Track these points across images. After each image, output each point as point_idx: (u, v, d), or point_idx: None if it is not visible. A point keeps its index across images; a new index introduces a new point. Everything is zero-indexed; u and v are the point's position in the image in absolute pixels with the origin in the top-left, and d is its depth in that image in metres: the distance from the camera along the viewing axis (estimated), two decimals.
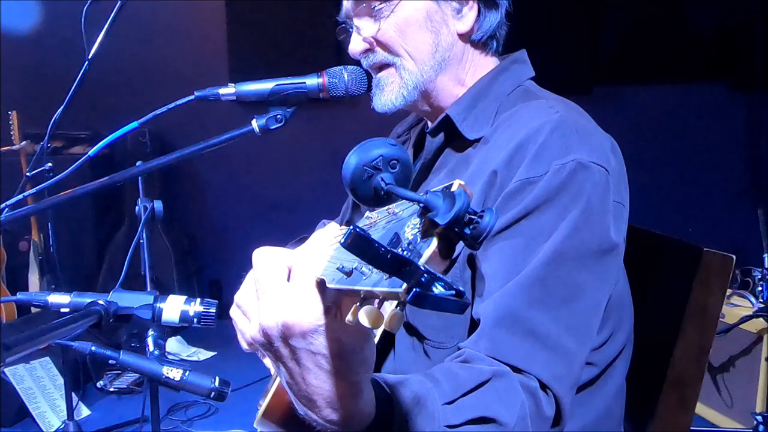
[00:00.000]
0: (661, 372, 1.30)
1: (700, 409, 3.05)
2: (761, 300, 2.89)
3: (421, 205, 0.64)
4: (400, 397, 0.88)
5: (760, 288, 2.92)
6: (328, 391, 0.78)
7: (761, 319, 2.82)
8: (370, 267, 0.64)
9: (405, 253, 0.62)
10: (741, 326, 2.85)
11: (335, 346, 0.75)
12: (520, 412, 0.97)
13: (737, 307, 2.95)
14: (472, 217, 0.62)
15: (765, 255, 2.92)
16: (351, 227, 0.61)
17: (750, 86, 4.06)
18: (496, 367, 1.00)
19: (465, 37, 1.28)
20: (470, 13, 1.26)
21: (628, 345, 1.26)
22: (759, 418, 2.72)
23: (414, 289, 0.58)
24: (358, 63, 1.30)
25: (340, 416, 0.79)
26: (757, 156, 4.08)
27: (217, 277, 4.74)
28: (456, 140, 1.28)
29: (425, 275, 0.59)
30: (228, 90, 1.23)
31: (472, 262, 1.13)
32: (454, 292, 0.58)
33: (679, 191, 4.17)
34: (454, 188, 0.65)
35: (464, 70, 1.30)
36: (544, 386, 1.01)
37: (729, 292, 2.98)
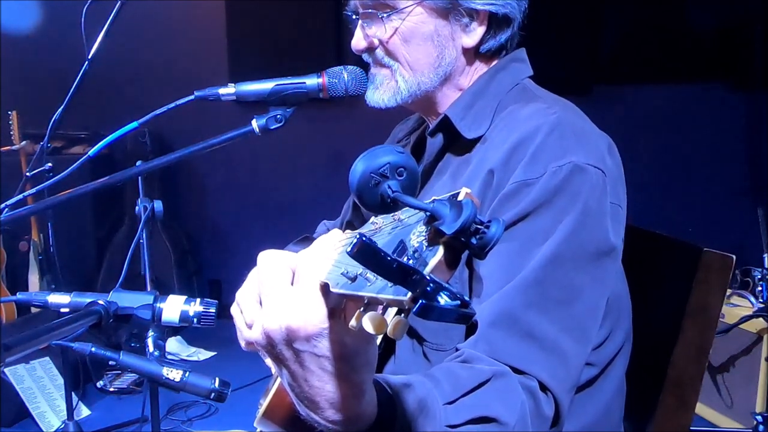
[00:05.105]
0: (661, 372, 1.29)
1: (700, 409, 3.05)
2: (761, 300, 2.89)
3: (428, 213, 0.64)
4: (402, 398, 0.88)
5: (760, 288, 2.92)
6: (330, 393, 0.78)
7: (761, 319, 2.82)
8: (376, 275, 0.64)
9: (410, 261, 0.62)
10: (741, 326, 2.85)
11: (339, 348, 0.75)
12: (520, 411, 0.97)
13: (737, 307, 2.95)
14: (479, 226, 0.62)
15: (765, 255, 2.92)
16: (358, 235, 0.61)
17: (750, 86, 4.06)
18: (496, 367, 1.00)
19: (470, 51, 1.27)
20: (479, 29, 1.24)
21: (627, 344, 1.26)
22: (759, 418, 2.72)
23: (420, 301, 0.58)
24: (358, 61, 1.30)
25: (342, 417, 0.80)
26: (757, 156, 4.07)
27: (217, 277, 4.73)
28: (456, 142, 1.27)
29: (431, 284, 0.59)
30: (228, 90, 1.23)
31: (470, 262, 1.13)
32: (459, 302, 0.58)
33: (679, 191, 4.16)
34: (460, 197, 0.65)
35: (467, 78, 1.29)
36: (543, 387, 1.02)
37: (729, 292, 2.98)
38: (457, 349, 1.07)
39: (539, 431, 1.01)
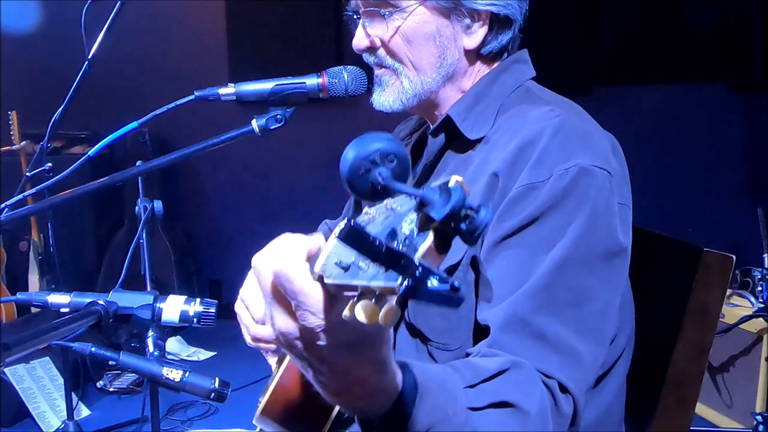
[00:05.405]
0: (661, 372, 1.29)
1: (700, 409, 3.05)
2: (761, 300, 2.88)
3: (418, 199, 0.65)
4: (426, 377, 0.88)
5: (760, 288, 2.92)
6: (356, 375, 0.78)
7: (761, 319, 2.82)
8: (368, 262, 0.64)
9: (401, 247, 0.63)
10: (741, 326, 2.85)
11: (357, 333, 0.75)
12: (540, 403, 0.97)
13: (737, 307, 2.95)
14: (468, 212, 0.62)
15: (765, 255, 2.91)
16: (347, 220, 0.62)
17: (749, 86, 4.06)
18: (515, 359, 1.00)
19: (472, 52, 1.27)
20: (480, 30, 1.24)
21: (629, 345, 1.26)
22: (759, 418, 2.72)
23: (407, 280, 0.58)
24: (358, 61, 1.30)
25: (366, 392, 0.80)
26: (757, 156, 4.07)
27: (217, 277, 4.73)
28: (457, 141, 1.28)
29: (420, 269, 0.59)
30: (228, 90, 1.23)
31: (475, 265, 1.13)
32: (448, 286, 0.58)
33: (679, 191, 4.16)
34: (451, 184, 0.65)
35: (468, 80, 1.29)
36: (562, 387, 1.02)
37: (729, 292, 2.98)
38: (467, 354, 1.07)
39: (560, 429, 1.01)
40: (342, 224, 0.62)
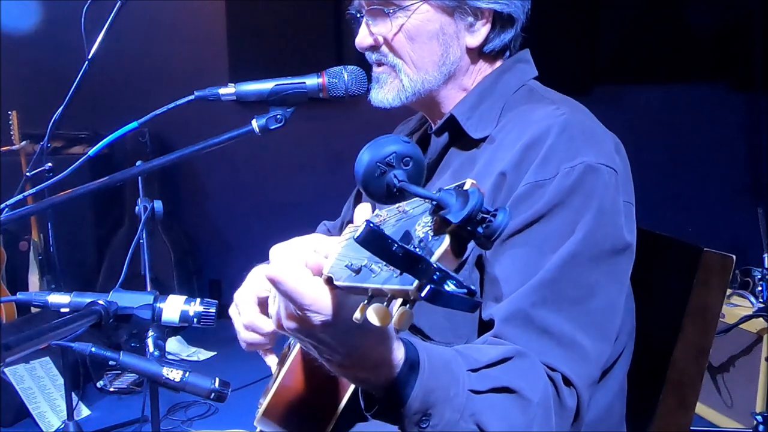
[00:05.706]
0: (661, 372, 1.30)
1: (700, 409, 3.05)
2: (761, 300, 2.88)
3: (434, 202, 0.64)
4: (428, 353, 0.89)
5: (760, 288, 2.92)
6: (361, 350, 0.80)
7: (761, 319, 2.82)
8: (380, 265, 0.64)
9: (417, 250, 0.62)
10: (741, 326, 2.85)
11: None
12: (543, 392, 0.98)
13: (737, 307, 2.94)
14: (485, 215, 0.62)
15: (765, 255, 2.92)
16: (365, 222, 0.61)
17: (750, 86, 4.06)
18: (519, 348, 1.00)
19: (474, 51, 1.27)
20: (483, 28, 1.25)
21: (629, 344, 1.26)
22: (759, 418, 2.72)
23: (429, 286, 0.58)
24: (358, 61, 1.30)
25: (372, 363, 0.82)
26: (757, 156, 4.07)
27: (217, 277, 4.73)
28: (461, 140, 1.28)
29: (437, 273, 0.59)
30: (228, 90, 1.23)
31: (480, 264, 1.14)
32: (466, 290, 0.58)
33: (679, 191, 4.16)
34: (467, 187, 0.64)
35: (470, 79, 1.30)
36: (566, 381, 1.02)
37: (729, 292, 2.98)
38: None
39: (562, 422, 1.01)
40: (360, 227, 0.61)
